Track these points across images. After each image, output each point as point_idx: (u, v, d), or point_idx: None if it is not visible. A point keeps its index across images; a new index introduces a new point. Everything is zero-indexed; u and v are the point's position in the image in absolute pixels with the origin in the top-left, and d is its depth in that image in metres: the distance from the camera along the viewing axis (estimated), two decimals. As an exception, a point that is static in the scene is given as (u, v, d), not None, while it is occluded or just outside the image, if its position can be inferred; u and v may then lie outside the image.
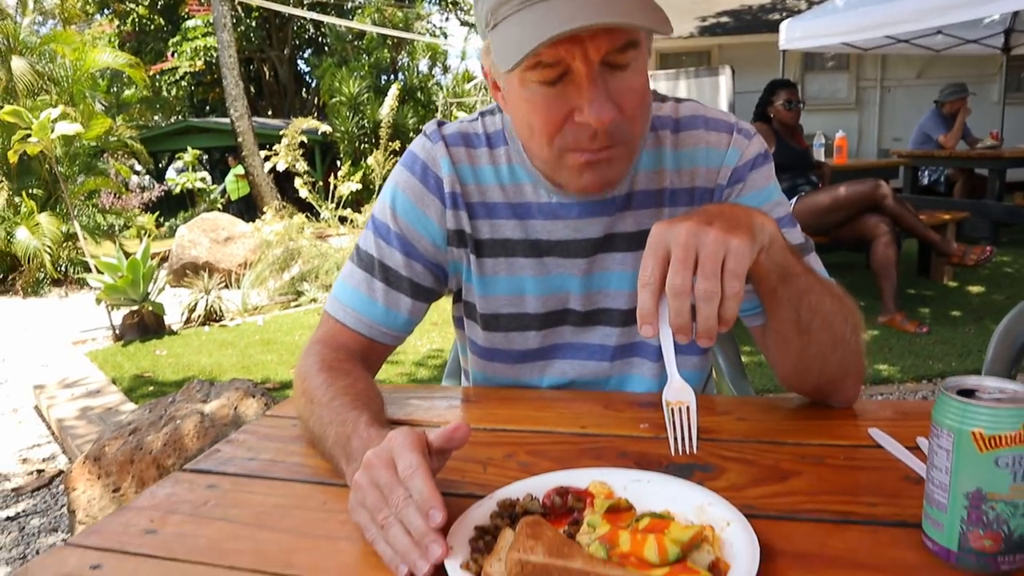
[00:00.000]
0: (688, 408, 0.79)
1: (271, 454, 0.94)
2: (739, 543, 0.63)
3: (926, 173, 7.17)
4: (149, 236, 8.11)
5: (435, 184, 1.03)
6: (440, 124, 1.07)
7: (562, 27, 0.76)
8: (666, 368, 0.78)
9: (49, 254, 7.41)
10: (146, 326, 5.12)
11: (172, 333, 5.30)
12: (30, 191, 8.55)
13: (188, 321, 5.49)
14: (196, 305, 5.42)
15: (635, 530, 0.63)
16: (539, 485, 0.75)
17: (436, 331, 4.83)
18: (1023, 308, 1.42)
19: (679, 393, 0.79)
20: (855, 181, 4.10)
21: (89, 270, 5.44)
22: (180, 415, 2.43)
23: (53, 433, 3.70)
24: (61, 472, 3.15)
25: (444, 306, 1.15)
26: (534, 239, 1.04)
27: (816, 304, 0.86)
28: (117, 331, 5.21)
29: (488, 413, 1.03)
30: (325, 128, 7.96)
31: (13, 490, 3.06)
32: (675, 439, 0.80)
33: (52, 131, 5.20)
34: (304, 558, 0.70)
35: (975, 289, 4.92)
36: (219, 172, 15.17)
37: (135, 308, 5.13)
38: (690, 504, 0.71)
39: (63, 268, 8.22)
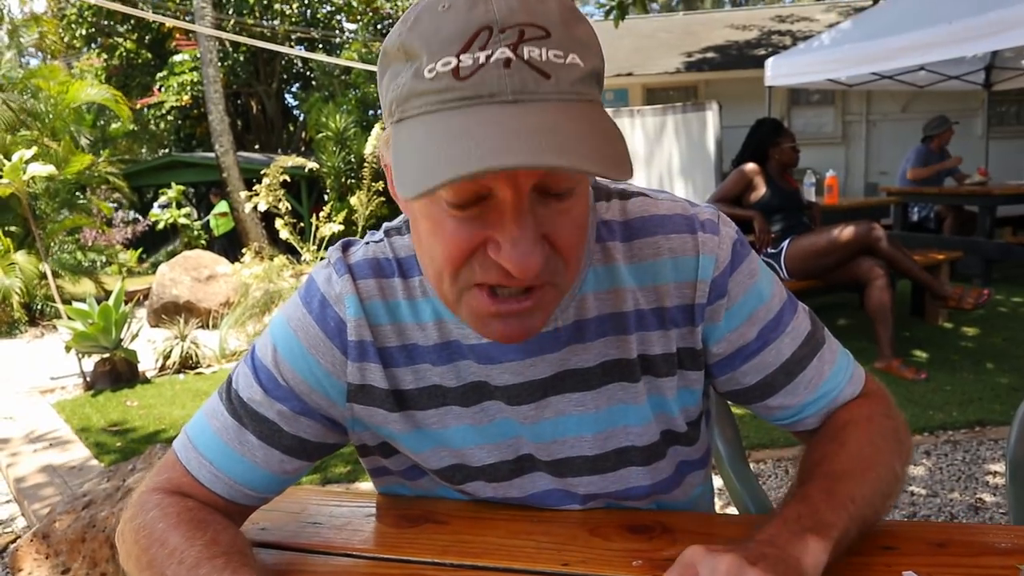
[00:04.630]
0: None
1: None
2: None
3: (915, 209, 7.14)
4: (124, 277, 7.93)
5: (335, 328, 0.83)
6: (346, 248, 0.87)
7: (484, 162, 0.56)
8: None
9: (18, 295, 7.21)
10: (118, 374, 4.93)
11: (146, 381, 5.11)
12: (6, 229, 8.37)
13: (163, 368, 5.29)
14: (171, 352, 5.23)
15: None
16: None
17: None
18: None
19: None
20: (848, 223, 4.01)
21: (60, 316, 5.25)
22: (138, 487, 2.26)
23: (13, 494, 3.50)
24: (16, 539, 2.95)
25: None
26: (468, 383, 0.85)
27: (870, 520, 0.77)
28: (88, 379, 5.02)
29: (455, 539, 0.88)
30: (311, 165, 7.85)
31: (-37, 560, 2.86)
32: None
33: (24, 172, 5.06)
34: None
35: (971, 331, 4.82)
36: (204, 207, 15.02)
37: (107, 356, 4.94)
38: None
39: (38, 308, 8.01)
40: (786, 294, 0.89)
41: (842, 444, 0.82)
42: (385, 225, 0.89)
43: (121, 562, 0.83)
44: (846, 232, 3.93)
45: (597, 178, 0.87)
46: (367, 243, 0.87)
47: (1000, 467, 2.92)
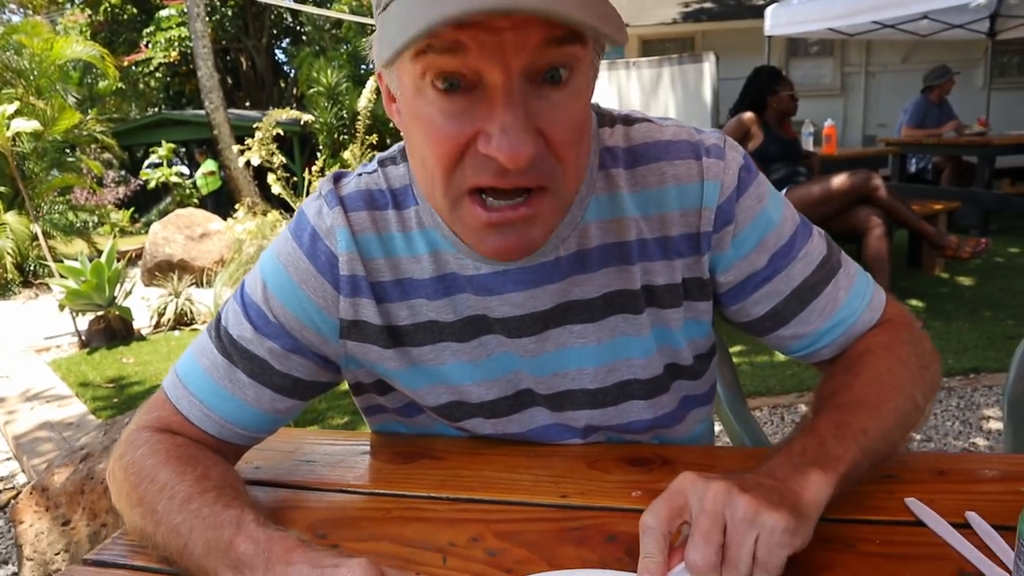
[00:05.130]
0: None
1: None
2: None
3: (913, 161, 7.08)
4: (115, 236, 7.86)
5: (327, 262, 0.80)
6: (337, 179, 0.83)
7: (470, 4, 0.53)
8: None
9: (10, 256, 7.15)
10: (113, 331, 4.91)
11: (141, 338, 5.10)
12: (-4, 189, 8.28)
13: (158, 325, 5.28)
14: (165, 308, 5.21)
15: None
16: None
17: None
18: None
19: None
20: (846, 172, 3.97)
21: (53, 274, 5.22)
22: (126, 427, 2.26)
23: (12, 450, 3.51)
24: (17, 494, 2.97)
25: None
26: (466, 317, 0.83)
27: (884, 453, 0.74)
28: (83, 337, 5.00)
29: (452, 474, 0.87)
30: (307, 117, 7.71)
31: (-35, 515, 2.88)
32: None
33: (7, 128, 4.96)
34: None
35: (967, 281, 4.82)
36: (196, 165, 14.84)
37: (101, 313, 4.92)
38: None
39: (31, 269, 7.96)
40: (799, 218, 0.85)
41: (856, 375, 0.79)
42: (379, 155, 0.86)
43: (113, 500, 0.81)
44: (844, 181, 3.89)
45: (600, 107, 0.84)
46: (359, 174, 0.84)
47: (994, 412, 2.94)
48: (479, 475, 0.86)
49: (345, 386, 0.94)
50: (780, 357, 3.50)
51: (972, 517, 0.70)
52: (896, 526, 0.70)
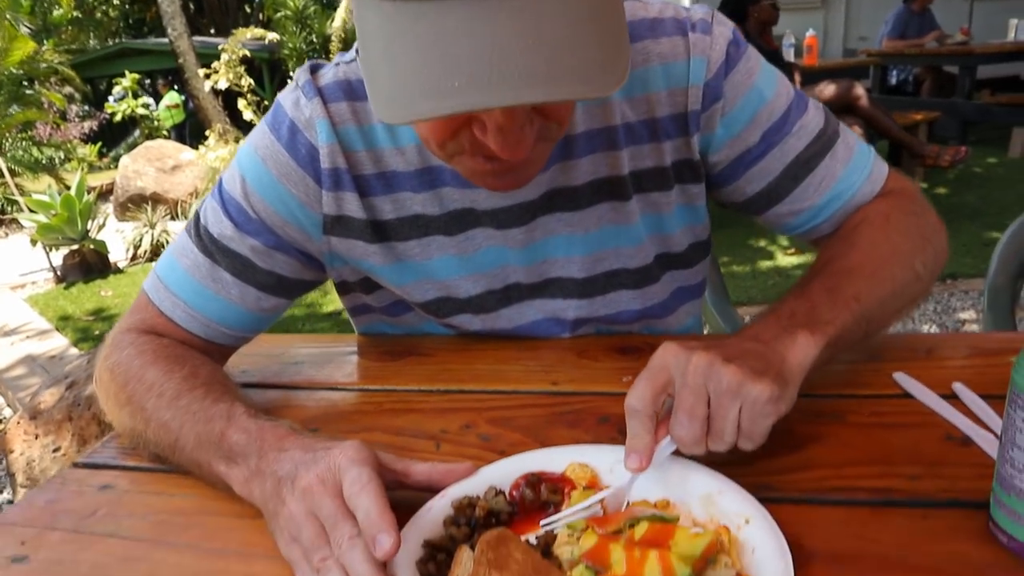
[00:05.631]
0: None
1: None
2: (764, 549, 0.49)
3: (894, 72, 7.00)
4: (84, 170, 7.65)
5: (307, 156, 0.77)
6: (315, 69, 0.79)
7: (464, 102, 0.50)
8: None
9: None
10: (89, 265, 4.84)
11: (118, 271, 5.03)
12: (-45, 125, 7.98)
13: (134, 258, 5.20)
14: (141, 240, 5.13)
15: (631, 542, 0.48)
16: (505, 472, 0.60)
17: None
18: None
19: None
20: (828, 82, 3.92)
21: (22, 209, 5.09)
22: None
23: (-5, 384, 3.50)
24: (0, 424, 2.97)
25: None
26: (453, 211, 0.81)
27: (879, 320, 0.73)
28: (58, 272, 4.92)
29: (442, 368, 0.87)
30: (272, 36, 7.40)
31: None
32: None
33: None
34: (205, 590, 0.55)
35: (945, 190, 4.84)
36: (159, 97, 14.38)
37: (75, 247, 4.83)
38: (693, 493, 0.56)
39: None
40: (793, 91, 0.82)
41: (852, 244, 0.76)
42: (357, 43, 0.82)
43: (101, 404, 0.80)
44: (826, 91, 3.85)
45: None
46: (337, 64, 0.80)
47: (970, 315, 3.01)
48: (469, 368, 0.86)
49: (324, 309, 0.93)
50: (762, 266, 3.53)
51: (959, 388, 0.71)
52: (884, 399, 0.71)
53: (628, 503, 0.56)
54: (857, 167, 0.82)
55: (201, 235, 0.81)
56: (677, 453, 0.58)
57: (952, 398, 0.69)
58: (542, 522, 0.54)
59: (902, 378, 0.74)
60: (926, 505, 0.55)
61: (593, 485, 0.59)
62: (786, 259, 3.71)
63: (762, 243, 3.98)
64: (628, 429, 0.58)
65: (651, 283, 0.88)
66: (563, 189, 0.80)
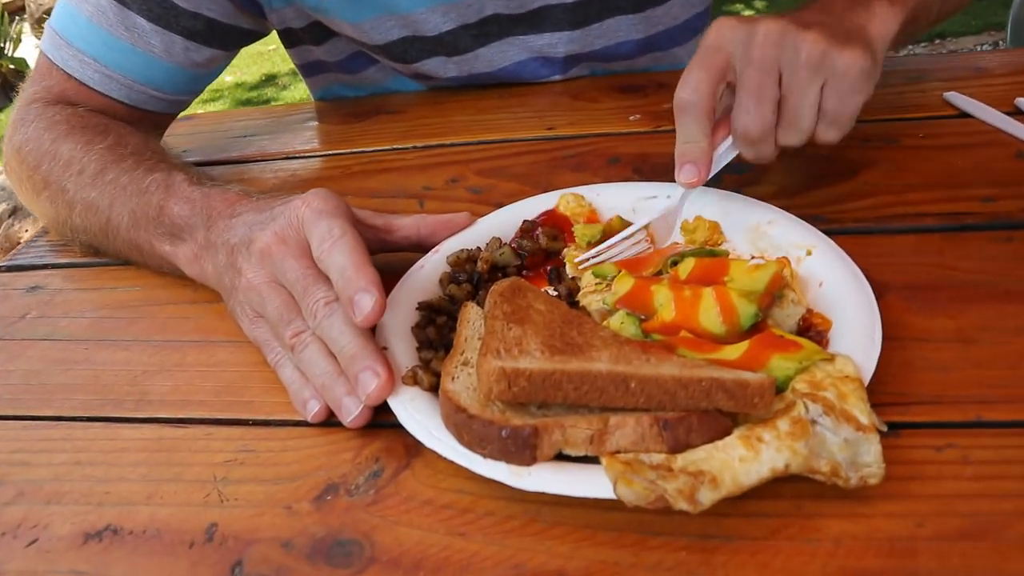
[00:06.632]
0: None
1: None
2: (834, 282, 0.40)
3: None
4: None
5: None
6: None
7: None
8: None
9: None
10: (10, 84, 4.39)
11: (42, 81, 4.60)
12: None
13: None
14: (62, 45, 4.63)
15: (676, 282, 0.39)
16: (509, 221, 0.50)
17: None
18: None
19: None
20: None
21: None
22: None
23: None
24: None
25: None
26: None
27: (936, 13, 0.59)
28: (-25, 86, 4.48)
29: (415, 124, 0.74)
30: None
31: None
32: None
33: None
34: (162, 387, 0.46)
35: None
36: None
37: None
38: (738, 225, 0.47)
39: None
40: None
41: None
42: None
43: (16, 194, 0.67)
44: None
45: None
46: None
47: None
48: (447, 121, 0.73)
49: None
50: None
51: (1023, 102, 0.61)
52: (940, 120, 0.61)
53: (680, 227, 0.46)
54: None
55: None
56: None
57: (1018, 114, 0.60)
58: (576, 259, 0.45)
59: (956, 97, 0.63)
60: (1008, 227, 0.47)
61: (592, 220, 0.49)
62: None
63: None
64: (679, 131, 0.46)
65: (654, 5, 0.73)
66: None
